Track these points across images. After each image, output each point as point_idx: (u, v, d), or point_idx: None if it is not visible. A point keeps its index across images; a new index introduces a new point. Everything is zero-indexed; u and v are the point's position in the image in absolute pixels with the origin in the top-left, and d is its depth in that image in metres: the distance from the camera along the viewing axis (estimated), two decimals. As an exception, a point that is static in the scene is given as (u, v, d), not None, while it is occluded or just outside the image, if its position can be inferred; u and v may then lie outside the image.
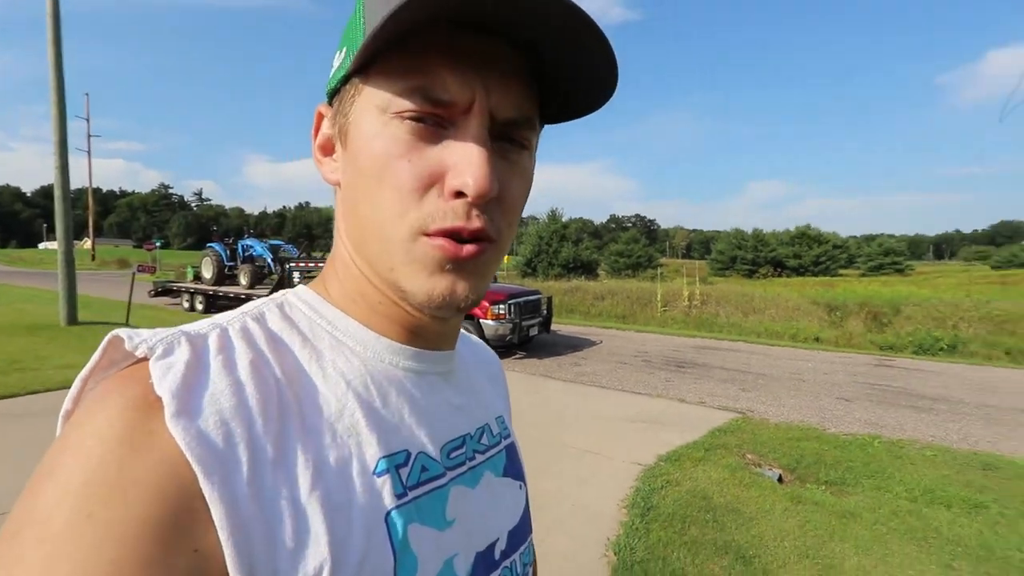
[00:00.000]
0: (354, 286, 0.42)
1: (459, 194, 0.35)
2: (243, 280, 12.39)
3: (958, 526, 3.18)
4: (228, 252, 13.34)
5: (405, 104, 0.35)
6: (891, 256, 61.64)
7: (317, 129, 0.43)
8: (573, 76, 0.38)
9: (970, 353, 9.61)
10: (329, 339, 0.40)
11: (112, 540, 0.27)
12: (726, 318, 12.55)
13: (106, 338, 0.34)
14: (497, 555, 0.45)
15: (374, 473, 0.36)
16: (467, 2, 0.32)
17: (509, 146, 0.38)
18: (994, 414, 5.70)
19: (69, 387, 0.35)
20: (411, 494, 0.38)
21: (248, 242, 13.28)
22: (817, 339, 11.01)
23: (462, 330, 0.52)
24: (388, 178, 0.36)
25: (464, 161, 0.34)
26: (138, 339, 0.33)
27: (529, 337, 8.29)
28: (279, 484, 0.32)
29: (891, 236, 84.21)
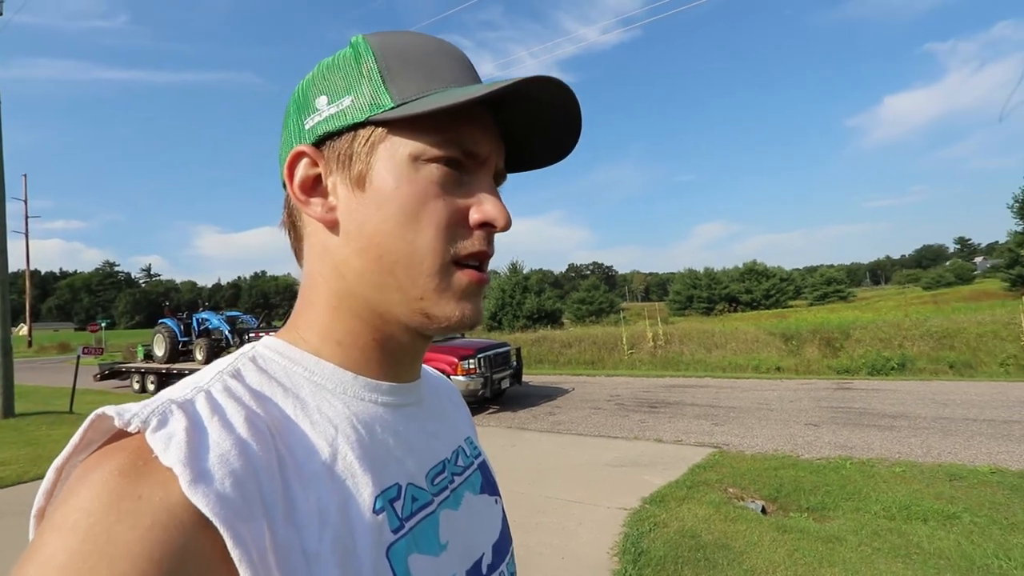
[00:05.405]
0: (344, 327, 0.44)
1: (483, 225, 0.42)
2: (199, 355, 11.88)
3: (937, 539, 3.26)
4: (182, 327, 12.82)
5: (441, 152, 0.41)
6: (833, 285, 65.10)
7: (293, 168, 0.43)
8: (538, 150, 0.49)
9: (918, 370, 10.12)
10: (309, 386, 0.41)
11: None
12: (690, 355, 12.80)
13: (88, 418, 0.33)
14: (485, 569, 0.48)
15: (373, 511, 0.38)
16: (519, 94, 0.40)
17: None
18: (949, 426, 5.98)
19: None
20: (407, 525, 0.40)
21: (203, 315, 12.79)
22: (778, 368, 11.35)
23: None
24: (426, 216, 0.40)
25: (490, 202, 0.42)
26: (128, 414, 0.32)
27: (501, 390, 8.21)
28: (291, 536, 0.33)
29: (830, 266, 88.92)
